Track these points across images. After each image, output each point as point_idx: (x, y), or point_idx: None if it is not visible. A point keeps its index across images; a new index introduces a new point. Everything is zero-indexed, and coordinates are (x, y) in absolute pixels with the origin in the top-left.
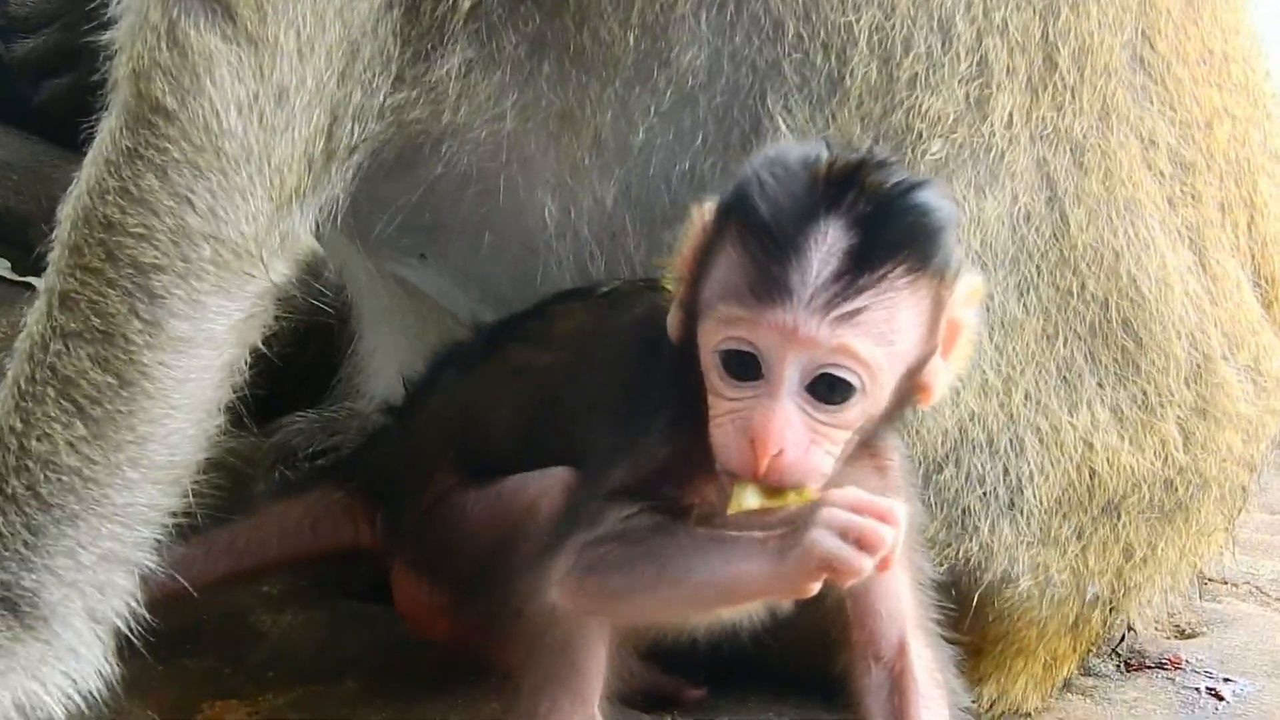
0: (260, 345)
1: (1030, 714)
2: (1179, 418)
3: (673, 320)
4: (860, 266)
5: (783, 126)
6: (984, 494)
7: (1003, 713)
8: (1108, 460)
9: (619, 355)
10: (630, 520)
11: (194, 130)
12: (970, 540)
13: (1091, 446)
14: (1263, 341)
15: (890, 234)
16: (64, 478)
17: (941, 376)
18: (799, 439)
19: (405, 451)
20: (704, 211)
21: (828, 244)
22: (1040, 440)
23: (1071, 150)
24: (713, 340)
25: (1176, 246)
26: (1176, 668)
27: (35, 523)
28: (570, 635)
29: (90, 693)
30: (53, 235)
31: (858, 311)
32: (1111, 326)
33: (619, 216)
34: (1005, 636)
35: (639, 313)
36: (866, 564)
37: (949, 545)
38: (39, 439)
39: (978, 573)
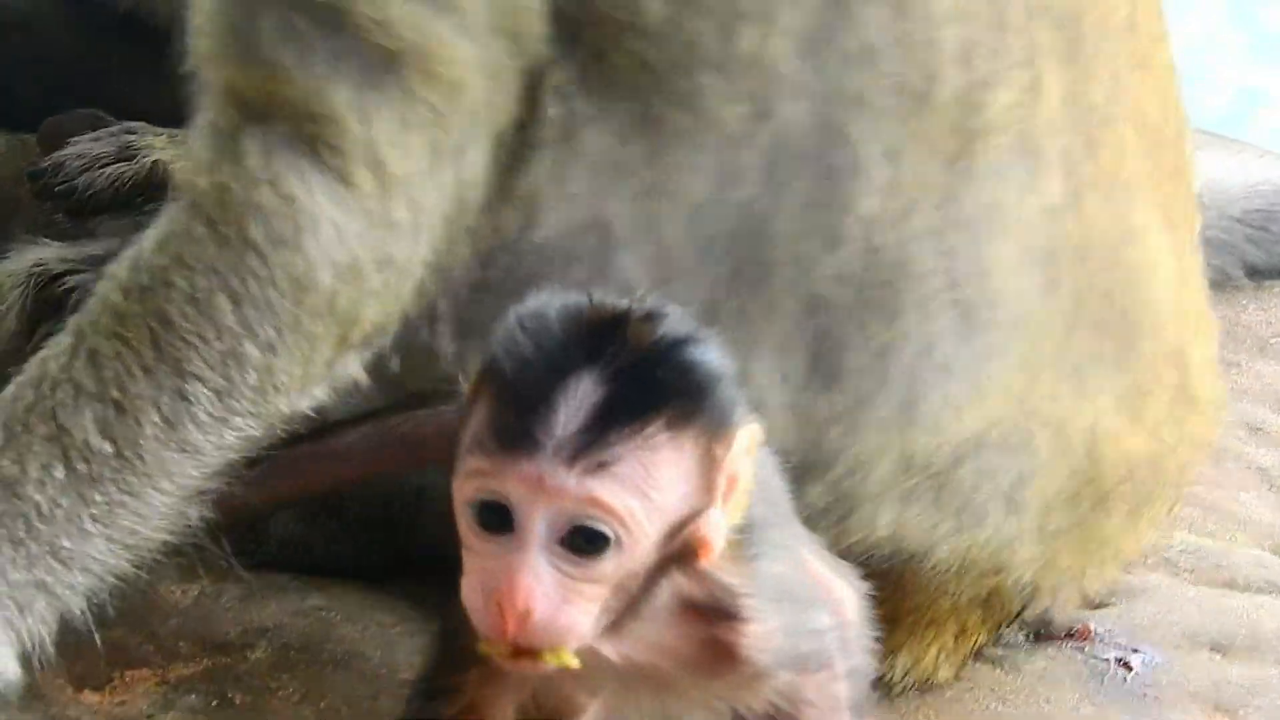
0: None
1: (941, 685)
2: (1167, 400)
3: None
4: (612, 418)
5: (874, 153)
6: (993, 490)
7: (915, 683)
8: (1112, 444)
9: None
10: None
11: (280, 277)
12: (968, 535)
13: (1095, 434)
14: (1206, 326)
15: (648, 387)
16: (21, 505)
17: (719, 529)
18: (549, 595)
19: None
20: (475, 367)
21: (579, 395)
22: (1052, 434)
23: (1089, 130)
24: (464, 492)
25: (1160, 228)
26: (1085, 638)
27: None
28: None
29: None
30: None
31: (607, 463)
32: (1114, 315)
33: (709, 270)
34: (919, 608)
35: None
36: None
37: (951, 538)
38: (11, 462)
39: (970, 567)
